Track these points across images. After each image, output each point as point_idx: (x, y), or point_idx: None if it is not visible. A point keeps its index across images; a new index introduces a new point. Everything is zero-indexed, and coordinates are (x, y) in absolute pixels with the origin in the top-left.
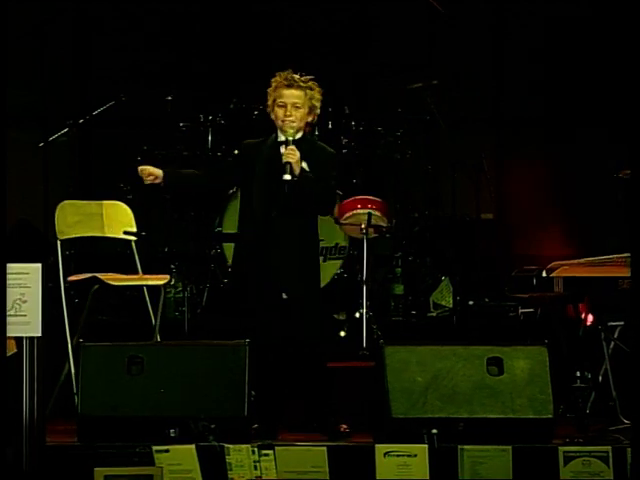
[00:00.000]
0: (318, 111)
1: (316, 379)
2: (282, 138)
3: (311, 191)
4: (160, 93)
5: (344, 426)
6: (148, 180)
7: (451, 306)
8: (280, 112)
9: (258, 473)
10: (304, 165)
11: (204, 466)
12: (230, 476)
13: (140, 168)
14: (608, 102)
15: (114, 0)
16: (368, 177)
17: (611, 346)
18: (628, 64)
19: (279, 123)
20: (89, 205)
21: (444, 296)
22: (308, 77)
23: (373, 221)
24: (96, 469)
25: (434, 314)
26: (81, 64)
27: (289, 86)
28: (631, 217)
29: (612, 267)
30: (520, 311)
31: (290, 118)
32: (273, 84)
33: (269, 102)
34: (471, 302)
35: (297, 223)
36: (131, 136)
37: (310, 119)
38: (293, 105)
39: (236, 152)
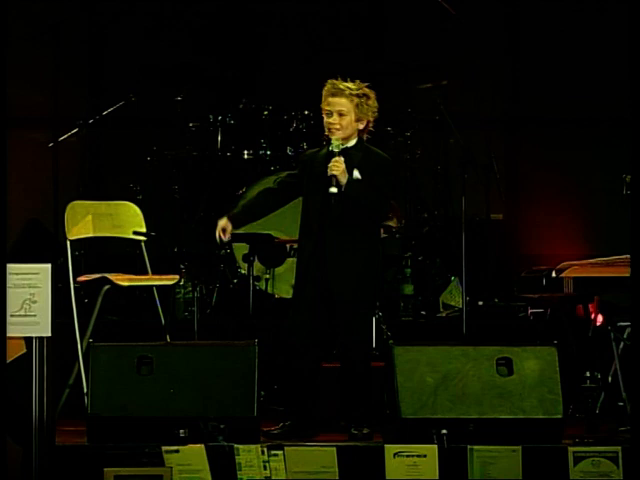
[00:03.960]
0: (371, 118)
1: (361, 382)
2: (331, 148)
3: (361, 200)
4: (170, 93)
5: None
6: (226, 239)
7: (460, 306)
8: (325, 120)
9: (267, 473)
10: (356, 173)
11: (213, 466)
12: (240, 476)
13: (219, 233)
14: (621, 102)
15: (125, 0)
16: None
17: (621, 346)
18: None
19: (327, 131)
20: (99, 205)
21: (454, 296)
22: (361, 84)
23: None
24: (106, 469)
25: (444, 314)
26: (92, 64)
27: (334, 94)
28: (632, 217)
29: (622, 267)
30: (530, 311)
31: (335, 126)
32: (323, 93)
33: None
34: (481, 302)
35: (350, 233)
36: (141, 136)
37: (362, 127)
38: (338, 113)
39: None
